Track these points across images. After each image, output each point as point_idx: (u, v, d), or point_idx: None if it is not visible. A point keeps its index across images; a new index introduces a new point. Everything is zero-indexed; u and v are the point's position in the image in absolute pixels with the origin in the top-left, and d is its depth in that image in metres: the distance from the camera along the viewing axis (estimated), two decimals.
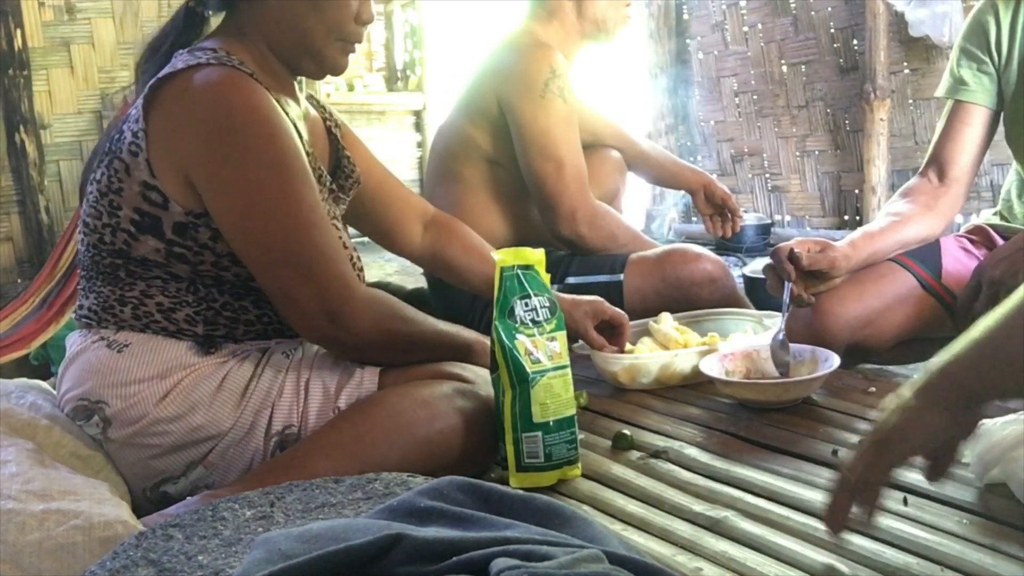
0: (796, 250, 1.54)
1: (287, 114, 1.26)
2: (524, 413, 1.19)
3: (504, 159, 2.09)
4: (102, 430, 1.21)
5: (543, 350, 1.21)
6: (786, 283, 1.54)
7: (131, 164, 1.20)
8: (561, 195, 2.01)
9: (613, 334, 1.59)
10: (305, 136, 1.33)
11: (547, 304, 1.23)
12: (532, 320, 1.21)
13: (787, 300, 1.54)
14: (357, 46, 1.33)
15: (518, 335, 1.20)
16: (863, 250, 1.63)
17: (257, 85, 1.21)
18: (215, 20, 1.34)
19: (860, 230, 1.72)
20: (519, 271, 1.22)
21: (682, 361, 1.61)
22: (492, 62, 2.13)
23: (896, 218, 1.70)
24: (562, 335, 1.24)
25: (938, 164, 1.73)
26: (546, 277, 1.26)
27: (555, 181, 2.00)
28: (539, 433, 1.19)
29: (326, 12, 1.27)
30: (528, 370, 1.19)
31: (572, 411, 1.23)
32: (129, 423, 1.19)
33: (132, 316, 1.23)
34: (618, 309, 1.61)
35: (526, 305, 1.21)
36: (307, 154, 1.28)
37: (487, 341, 1.31)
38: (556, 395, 1.21)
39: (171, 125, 1.19)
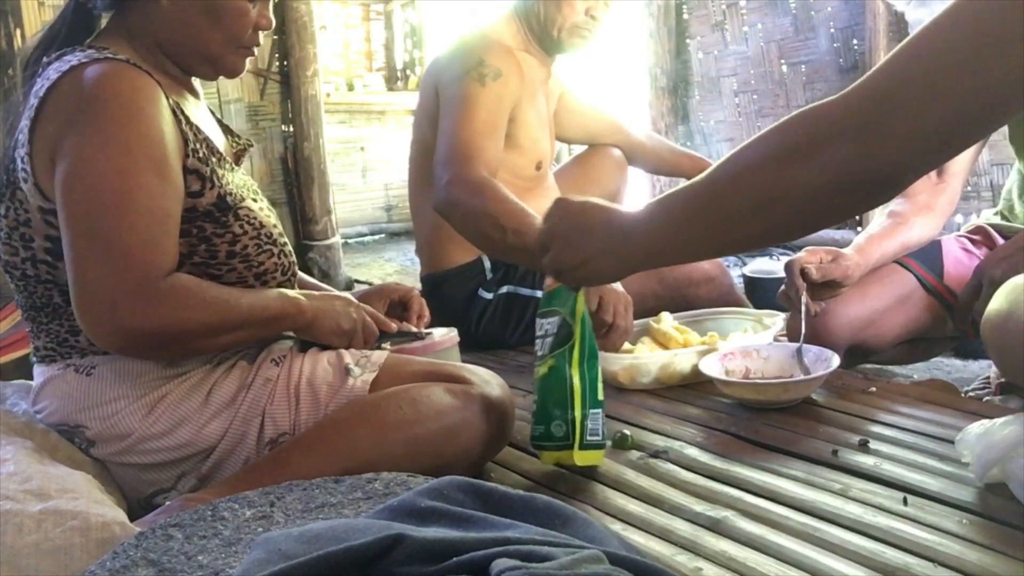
0: (806, 265, 1.58)
1: (179, 106, 1.21)
2: (592, 389, 1.17)
3: None
4: (85, 449, 1.19)
5: None
6: (803, 296, 1.57)
7: (28, 192, 1.15)
8: (446, 165, 1.83)
9: (405, 309, 1.54)
10: (204, 129, 1.27)
11: None
12: None
13: (804, 312, 1.56)
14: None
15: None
16: (871, 255, 1.66)
17: (136, 73, 1.16)
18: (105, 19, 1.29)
19: (864, 234, 1.73)
20: None
21: (682, 361, 1.61)
22: (437, 59, 2.09)
23: (898, 219, 1.71)
24: None
25: None
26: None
27: (444, 150, 1.85)
28: (600, 411, 1.17)
29: (224, 25, 1.25)
30: (596, 346, 1.18)
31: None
32: (114, 441, 1.17)
33: (88, 343, 1.19)
34: (406, 285, 1.57)
35: None
36: (197, 148, 1.21)
37: (335, 304, 1.30)
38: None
39: (51, 133, 1.13)
